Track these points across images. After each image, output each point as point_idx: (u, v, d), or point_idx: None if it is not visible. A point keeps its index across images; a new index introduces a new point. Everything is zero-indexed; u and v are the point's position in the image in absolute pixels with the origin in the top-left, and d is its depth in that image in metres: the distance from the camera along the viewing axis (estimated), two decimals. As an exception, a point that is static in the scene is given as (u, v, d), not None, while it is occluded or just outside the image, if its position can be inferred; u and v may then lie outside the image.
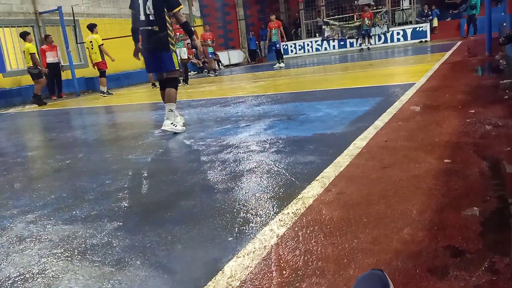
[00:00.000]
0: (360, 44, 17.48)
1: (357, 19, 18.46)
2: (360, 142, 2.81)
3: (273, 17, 13.89)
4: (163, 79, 4.35)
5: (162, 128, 4.20)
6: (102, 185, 2.61)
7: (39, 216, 2.16)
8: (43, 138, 5.16)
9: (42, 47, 11.69)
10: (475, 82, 4.92)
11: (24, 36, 10.26)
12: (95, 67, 10.84)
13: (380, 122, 3.33)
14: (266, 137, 3.42)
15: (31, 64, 10.10)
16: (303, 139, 3.20)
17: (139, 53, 4.54)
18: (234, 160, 2.83)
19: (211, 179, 2.46)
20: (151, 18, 4.08)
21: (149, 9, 4.04)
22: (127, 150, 3.69)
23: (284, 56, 19.66)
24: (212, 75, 13.67)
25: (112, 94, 10.89)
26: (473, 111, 3.31)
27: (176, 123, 4.26)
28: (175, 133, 4.12)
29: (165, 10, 4.08)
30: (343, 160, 2.46)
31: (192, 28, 4.31)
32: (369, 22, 16.93)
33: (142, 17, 4.10)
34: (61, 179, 2.92)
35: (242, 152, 3.02)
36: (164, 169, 2.82)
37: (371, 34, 17.53)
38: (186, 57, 11.32)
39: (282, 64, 13.42)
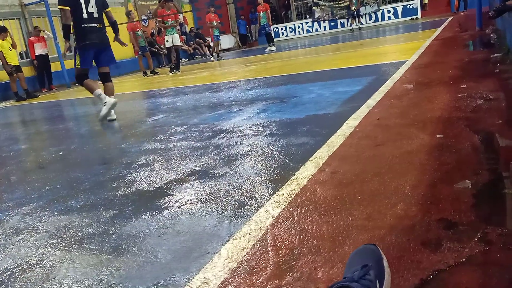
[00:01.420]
0: (351, 24, 17.15)
1: (346, -1, 18.30)
2: (352, 122, 2.81)
3: (260, 0, 13.73)
4: (105, 72, 4.83)
5: (108, 118, 4.58)
6: (96, 175, 2.60)
7: (35, 207, 2.16)
8: (35, 131, 5.13)
9: (30, 38, 11.55)
10: (466, 57, 4.92)
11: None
12: None
13: (372, 101, 3.33)
14: (259, 121, 3.41)
15: None
16: (296, 121, 3.20)
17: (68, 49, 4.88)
18: (228, 144, 2.83)
19: (205, 164, 2.46)
20: (95, 15, 4.50)
21: (92, 7, 4.46)
22: (120, 139, 3.68)
23: (275, 39, 19.54)
24: (215, 59, 13.31)
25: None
26: (465, 86, 3.31)
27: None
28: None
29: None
30: (336, 140, 2.46)
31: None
32: (355, 1, 16.55)
33: (85, 15, 4.46)
34: (55, 170, 2.91)
35: (236, 137, 3.02)
36: (158, 157, 2.81)
37: (360, 14, 17.22)
38: (179, 43, 11.18)
39: (273, 48, 13.31)
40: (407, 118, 2.69)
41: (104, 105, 4.48)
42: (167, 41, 10.97)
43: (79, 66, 4.65)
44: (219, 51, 13.97)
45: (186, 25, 18.73)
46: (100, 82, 5.04)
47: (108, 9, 4.83)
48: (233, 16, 20.94)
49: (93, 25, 4.54)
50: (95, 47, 4.62)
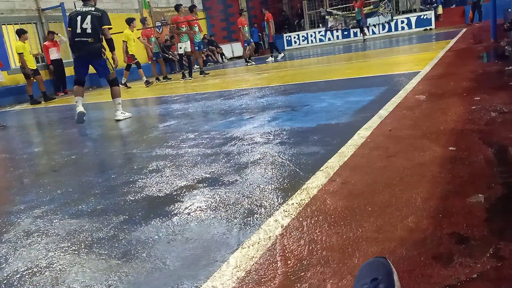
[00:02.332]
0: (362, 35, 16.63)
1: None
2: (364, 132, 2.80)
3: (265, 10, 13.70)
4: (108, 80, 5.34)
5: (115, 118, 5.19)
6: (107, 180, 2.62)
7: (46, 211, 2.18)
8: (48, 134, 5.20)
9: (44, 43, 11.74)
10: (480, 69, 4.87)
11: (19, 34, 10.16)
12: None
13: (384, 112, 3.32)
14: (270, 129, 3.41)
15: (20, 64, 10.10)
16: (307, 130, 3.19)
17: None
18: (238, 152, 2.83)
19: (216, 172, 2.46)
20: (87, 31, 4.96)
21: (86, 24, 4.95)
22: (132, 144, 3.70)
23: (288, 48, 19.64)
24: (250, 63, 12.95)
25: (130, 87, 11.00)
26: (478, 98, 3.28)
27: (123, 112, 5.28)
28: (125, 121, 5.07)
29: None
30: (347, 150, 2.45)
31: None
32: (361, 12, 15.62)
33: (79, 31, 4.96)
34: (67, 174, 2.94)
35: (246, 144, 3.02)
36: (169, 163, 2.83)
37: (364, 25, 16.49)
38: (190, 50, 11.26)
39: (270, 59, 13.23)
40: (419, 129, 2.67)
41: (77, 109, 5.18)
42: (180, 48, 11.07)
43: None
44: (251, 54, 13.72)
45: (200, 32, 18.83)
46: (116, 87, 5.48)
47: (104, 27, 5.09)
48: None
49: (85, 39, 4.98)
50: (84, 59, 5.12)
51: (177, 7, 10.98)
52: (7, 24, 11.54)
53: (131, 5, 16.03)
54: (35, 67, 10.43)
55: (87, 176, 2.78)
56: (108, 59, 5.23)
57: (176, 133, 3.89)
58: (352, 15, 17.96)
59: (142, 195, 2.25)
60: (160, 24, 16.62)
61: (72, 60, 5.34)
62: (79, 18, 4.97)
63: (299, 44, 19.92)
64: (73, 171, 3.00)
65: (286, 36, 20.20)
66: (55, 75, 11.91)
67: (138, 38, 11.34)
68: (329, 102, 4.24)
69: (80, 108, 5.15)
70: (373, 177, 1.97)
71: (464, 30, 12.78)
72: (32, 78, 10.25)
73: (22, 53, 9.97)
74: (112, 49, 5.31)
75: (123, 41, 10.74)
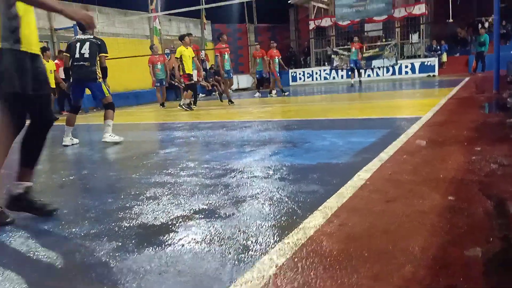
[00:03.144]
0: (357, 76, 15.50)
1: (365, 49, 18.68)
2: (364, 174, 2.80)
3: (257, 46, 13.77)
4: (103, 103, 5.50)
5: (102, 139, 5.29)
6: (104, 204, 2.60)
7: (39, 231, 2.15)
8: (49, 153, 5.19)
9: (56, 62, 11.93)
10: (481, 119, 4.92)
11: (42, 51, 10.26)
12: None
13: (385, 155, 3.33)
14: (271, 163, 3.42)
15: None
16: (307, 168, 3.19)
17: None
18: (237, 185, 2.83)
19: (213, 203, 2.45)
20: (85, 56, 5.20)
21: (85, 49, 5.21)
22: (132, 169, 3.70)
23: (293, 83, 19.93)
24: (284, 94, 12.76)
25: (192, 109, 10.28)
26: (479, 148, 3.30)
27: (112, 135, 5.34)
28: (116, 143, 5.23)
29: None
30: (346, 191, 2.44)
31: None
32: (358, 54, 15.13)
33: (77, 55, 5.21)
34: (64, 194, 2.92)
35: (246, 177, 3.02)
36: (166, 191, 2.81)
37: (361, 68, 15.91)
38: (196, 79, 11.43)
39: (258, 94, 13.37)
40: (419, 175, 2.67)
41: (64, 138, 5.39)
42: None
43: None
44: (274, 87, 13.45)
45: (207, 62, 19.20)
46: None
47: (101, 54, 5.35)
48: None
49: (82, 63, 5.23)
50: (80, 82, 5.31)
51: (220, 36, 11.21)
52: (20, 42, 11.77)
53: (142, 31, 16.40)
54: (53, 86, 10.44)
55: (83, 198, 2.76)
56: (102, 82, 5.41)
57: (176, 160, 3.89)
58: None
59: (137, 222, 2.22)
60: (169, 52, 16.94)
61: (68, 88, 5.61)
62: (78, 44, 5.28)
63: (304, 80, 20.23)
64: (70, 192, 2.99)
65: (292, 72, 20.54)
66: (60, 93, 12.04)
67: (193, 57, 10.47)
68: (331, 141, 4.26)
69: (67, 142, 5.36)
70: (371, 221, 1.95)
71: (467, 79, 12.99)
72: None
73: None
74: (105, 77, 5.52)
75: (176, 58, 10.14)
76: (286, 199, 2.41)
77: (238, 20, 21.95)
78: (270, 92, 13.05)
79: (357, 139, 4.25)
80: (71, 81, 5.39)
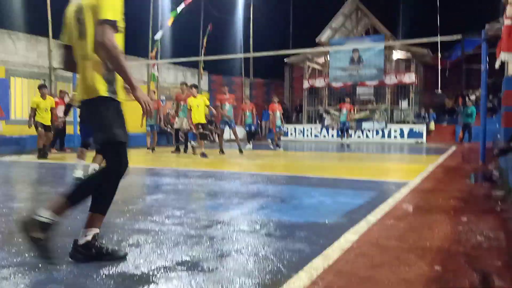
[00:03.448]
0: (346, 137, 15.73)
1: (357, 112, 19.17)
2: (351, 236, 2.78)
3: (247, 100, 14.02)
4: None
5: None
6: (84, 248, 2.52)
7: (15, 272, 2.07)
8: (33, 191, 5.10)
9: (56, 100, 12.06)
10: (468, 190, 4.99)
11: (39, 88, 10.12)
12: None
13: (372, 218, 3.33)
14: (258, 218, 3.39)
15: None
16: (295, 225, 3.17)
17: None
18: (222, 238, 2.78)
19: (197, 256, 2.40)
20: None
21: None
22: (116, 213, 3.62)
23: (284, 138, 20.17)
24: (278, 148, 12.77)
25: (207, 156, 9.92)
26: (465, 219, 3.32)
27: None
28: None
29: None
30: (332, 253, 2.41)
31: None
32: (348, 116, 15.27)
33: None
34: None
35: (232, 231, 2.98)
36: (150, 238, 2.75)
37: (349, 129, 16.09)
38: (188, 127, 11.51)
39: (250, 146, 13.45)
40: (406, 242, 2.66)
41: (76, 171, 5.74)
42: (176, 122, 11.41)
43: None
44: (278, 141, 13.34)
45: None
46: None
47: None
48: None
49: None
50: (85, 122, 5.62)
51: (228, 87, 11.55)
52: (17, 77, 11.90)
53: (141, 76, 16.73)
54: (48, 123, 10.11)
55: (63, 241, 2.68)
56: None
57: (162, 208, 3.83)
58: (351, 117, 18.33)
59: (117, 269, 2.16)
60: (164, 98, 17.20)
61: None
62: None
63: (295, 136, 20.53)
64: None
65: (284, 128, 20.84)
66: (56, 132, 12.02)
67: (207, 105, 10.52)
68: (319, 199, 4.26)
69: (78, 174, 5.61)
70: (357, 286, 1.92)
71: (454, 148, 13.29)
72: (41, 130, 9.91)
73: (35, 108, 9.79)
74: None
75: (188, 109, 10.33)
76: (272, 256, 2.37)
77: (235, 72, 22.54)
78: (277, 145, 12.91)
79: (345, 199, 4.25)
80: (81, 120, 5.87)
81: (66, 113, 10.36)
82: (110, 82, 2.29)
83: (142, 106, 2.30)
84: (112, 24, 2.17)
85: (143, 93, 2.31)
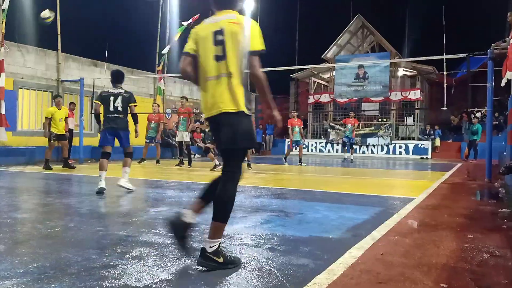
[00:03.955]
0: (350, 152, 15.21)
1: (362, 127, 19.15)
2: (356, 252, 2.76)
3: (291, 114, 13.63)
4: (125, 152, 6.18)
5: (117, 183, 5.91)
6: (87, 260, 2.52)
7: (17, 284, 2.06)
8: (37, 201, 5.11)
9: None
10: (474, 206, 4.95)
11: (53, 98, 10.25)
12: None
13: (377, 233, 3.30)
14: (261, 232, 3.37)
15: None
16: (299, 240, 3.15)
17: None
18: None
19: (200, 269, 2.38)
20: (119, 109, 6.04)
21: (118, 103, 6.04)
22: (119, 225, 3.63)
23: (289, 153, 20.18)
24: (302, 164, 12.41)
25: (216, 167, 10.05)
26: (471, 236, 3.28)
27: (128, 182, 5.99)
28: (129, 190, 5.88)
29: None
30: (337, 268, 2.39)
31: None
32: (350, 130, 14.59)
33: (112, 108, 6.03)
34: (47, 247, 2.83)
35: (236, 244, 2.96)
36: (153, 251, 2.74)
37: (354, 144, 15.42)
38: (188, 140, 11.54)
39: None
40: (411, 258, 2.63)
41: (99, 184, 5.80)
42: (177, 135, 11.58)
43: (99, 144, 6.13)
44: (302, 156, 13.03)
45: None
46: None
47: (131, 104, 6.20)
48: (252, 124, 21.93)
49: (116, 115, 6.03)
50: (114, 130, 6.02)
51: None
52: (25, 89, 12.04)
53: (147, 89, 16.86)
54: (63, 133, 10.18)
55: (66, 252, 2.68)
56: (130, 132, 6.17)
57: (166, 220, 3.82)
58: (357, 132, 18.05)
59: (119, 282, 2.15)
60: (170, 111, 17.31)
61: (99, 132, 6.31)
62: (112, 98, 6.05)
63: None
64: (53, 245, 2.90)
65: (288, 141, 20.89)
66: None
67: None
68: (323, 214, 4.24)
69: (102, 184, 5.75)
70: (361, 303, 1.90)
71: (459, 165, 13.21)
72: (54, 141, 10.02)
73: (50, 118, 9.85)
74: (136, 122, 6.36)
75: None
76: (276, 271, 2.35)
77: (241, 87, 22.66)
78: (300, 161, 12.65)
79: (350, 215, 4.23)
80: (102, 128, 6.13)
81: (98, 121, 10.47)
82: (248, 99, 2.54)
83: (277, 124, 2.67)
84: (262, 53, 2.48)
85: (278, 113, 2.62)
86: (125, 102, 6.12)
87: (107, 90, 6.24)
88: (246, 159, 11.34)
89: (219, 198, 2.50)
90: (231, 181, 2.56)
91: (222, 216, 2.49)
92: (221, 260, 2.39)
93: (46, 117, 9.97)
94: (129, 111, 6.20)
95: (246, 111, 2.49)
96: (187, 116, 11.43)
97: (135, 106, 6.27)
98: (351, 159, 14.84)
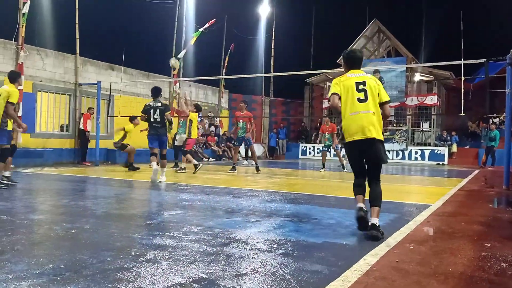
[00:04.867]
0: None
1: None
2: (370, 258, 2.73)
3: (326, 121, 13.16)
4: (161, 154, 7.89)
5: (159, 180, 7.60)
6: (102, 262, 2.55)
7: (33, 285, 2.09)
8: (54, 203, 5.18)
9: (85, 113, 12.56)
10: (492, 214, 4.85)
11: (131, 120, 11.08)
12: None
13: (392, 240, 3.26)
14: (275, 237, 3.36)
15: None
16: (313, 245, 3.13)
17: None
18: (240, 256, 2.76)
19: (213, 273, 2.38)
20: (158, 119, 7.76)
21: (156, 115, 7.75)
22: (134, 228, 3.65)
23: (302, 156, 20.14)
24: (344, 170, 11.98)
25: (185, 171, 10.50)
26: (489, 244, 3.22)
27: (164, 178, 7.80)
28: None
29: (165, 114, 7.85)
30: (351, 275, 2.37)
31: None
32: (333, 137, 12.48)
33: (152, 119, 7.76)
34: (63, 248, 2.87)
35: (249, 249, 2.96)
36: (167, 254, 2.75)
37: (340, 151, 12.59)
38: (181, 144, 11.24)
39: (245, 162, 13.34)
40: (427, 267, 2.59)
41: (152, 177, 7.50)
42: (176, 139, 11.39)
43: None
44: (342, 161, 12.34)
45: (221, 128, 19.66)
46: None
47: (166, 114, 7.81)
48: (266, 128, 21.94)
49: (156, 125, 7.77)
50: (156, 136, 7.79)
51: (244, 102, 11.37)
52: (43, 92, 12.26)
53: (163, 93, 16.99)
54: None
55: (82, 254, 2.71)
56: (167, 138, 7.87)
57: (180, 224, 3.84)
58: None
59: (133, 285, 2.16)
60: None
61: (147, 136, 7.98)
62: (152, 110, 7.74)
63: (314, 155, 20.42)
64: (69, 246, 2.94)
65: (302, 146, 20.86)
66: (82, 145, 12.39)
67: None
68: (338, 220, 4.21)
69: (154, 176, 7.41)
70: (376, 311, 1.87)
71: (476, 171, 12.99)
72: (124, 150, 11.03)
73: (128, 132, 10.98)
74: (170, 127, 8.43)
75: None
76: (289, 277, 2.34)
77: (255, 91, 22.70)
78: (342, 166, 12.22)
79: (364, 221, 4.17)
80: (148, 134, 7.91)
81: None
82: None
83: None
84: (389, 102, 3.85)
85: None
86: (162, 114, 7.73)
87: (148, 104, 7.90)
88: (254, 162, 11.35)
89: (380, 194, 3.70)
90: (379, 183, 3.77)
91: (380, 204, 3.64)
92: (380, 231, 3.37)
93: (126, 131, 10.96)
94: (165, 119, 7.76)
95: (382, 138, 3.68)
96: (184, 119, 11.08)
97: (168, 113, 7.84)
98: (343, 166, 12.30)
